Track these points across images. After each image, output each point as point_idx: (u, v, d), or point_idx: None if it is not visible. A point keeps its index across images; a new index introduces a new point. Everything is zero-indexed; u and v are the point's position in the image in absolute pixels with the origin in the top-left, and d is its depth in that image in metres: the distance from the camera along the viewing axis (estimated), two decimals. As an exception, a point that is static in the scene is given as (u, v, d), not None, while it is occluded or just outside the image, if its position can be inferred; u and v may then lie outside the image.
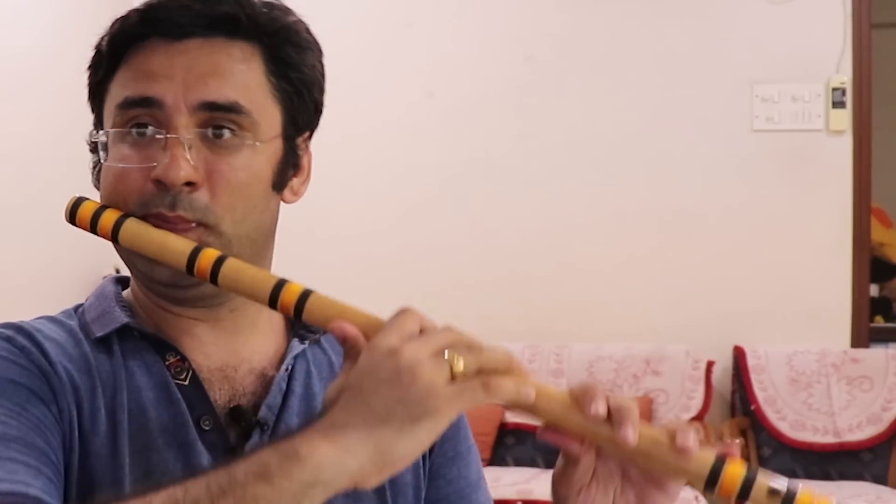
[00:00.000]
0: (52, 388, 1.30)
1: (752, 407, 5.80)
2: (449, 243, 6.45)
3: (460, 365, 1.14)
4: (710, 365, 5.92)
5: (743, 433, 5.74)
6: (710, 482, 1.19)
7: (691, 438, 1.20)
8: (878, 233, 7.65)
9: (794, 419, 5.75)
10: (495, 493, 5.10)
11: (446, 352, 1.15)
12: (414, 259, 6.45)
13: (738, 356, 5.95)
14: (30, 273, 5.55)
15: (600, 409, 1.19)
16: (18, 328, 1.35)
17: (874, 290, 7.56)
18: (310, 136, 1.49)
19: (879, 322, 7.70)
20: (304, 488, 1.08)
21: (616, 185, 6.33)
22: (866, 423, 5.69)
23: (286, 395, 1.44)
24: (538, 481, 5.35)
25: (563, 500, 1.31)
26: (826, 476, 5.68)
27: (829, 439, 5.68)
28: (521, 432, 5.83)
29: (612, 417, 1.20)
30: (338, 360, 1.51)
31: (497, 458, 5.85)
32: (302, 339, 1.49)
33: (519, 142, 6.43)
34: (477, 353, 1.16)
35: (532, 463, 5.77)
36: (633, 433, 1.19)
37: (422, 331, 1.17)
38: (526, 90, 6.42)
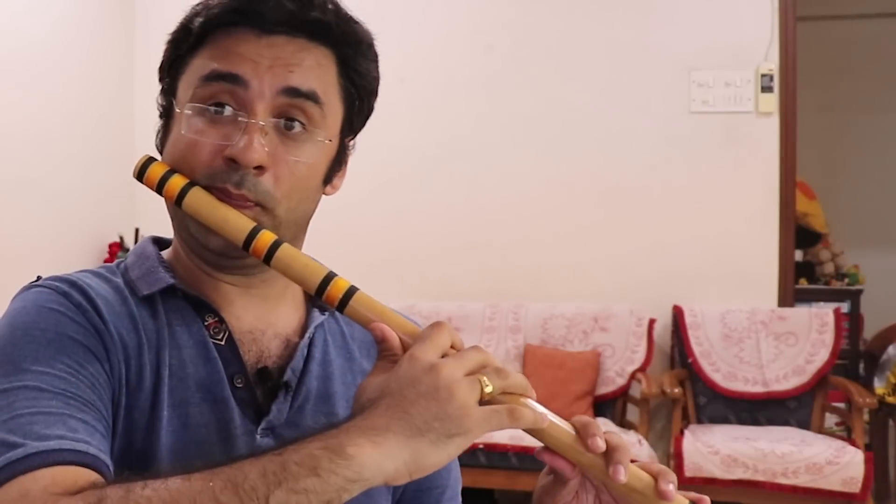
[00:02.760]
0: (105, 346, 1.29)
1: (690, 360, 5.84)
2: (418, 215, 6.48)
3: (489, 388, 1.16)
4: (651, 322, 5.97)
5: (681, 383, 5.73)
6: None
7: (671, 486, 1.25)
8: (802, 204, 7.70)
9: (727, 371, 5.80)
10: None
11: (478, 375, 1.17)
12: (388, 229, 6.48)
13: (677, 314, 5.98)
14: (44, 239, 5.59)
15: (600, 445, 1.23)
16: (72, 283, 1.34)
17: (799, 255, 7.61)
18: (354, 137, 1.50)
19: (804, 284, 7.77)
20: (347, 483, 1.08)
21: (567, 162, 6.34)
22: (791, 374, 5.73)
23: (307, 360, 1.45)
24: None
25: None
26: (756, 422, 5.73)
27: (758, 389, 5.74)
28: None
29: (608, 454, 1.24)
30: (348, 330, 1.55)
31: None
32: (322, 310, 1.51)
33: (480, 123, 6.44)
34: (504, 377, 1.19)
35: None
36: (624, 474, 1.23)
37: (453, 346, 1.21)
38: (487, 77, 6.43)
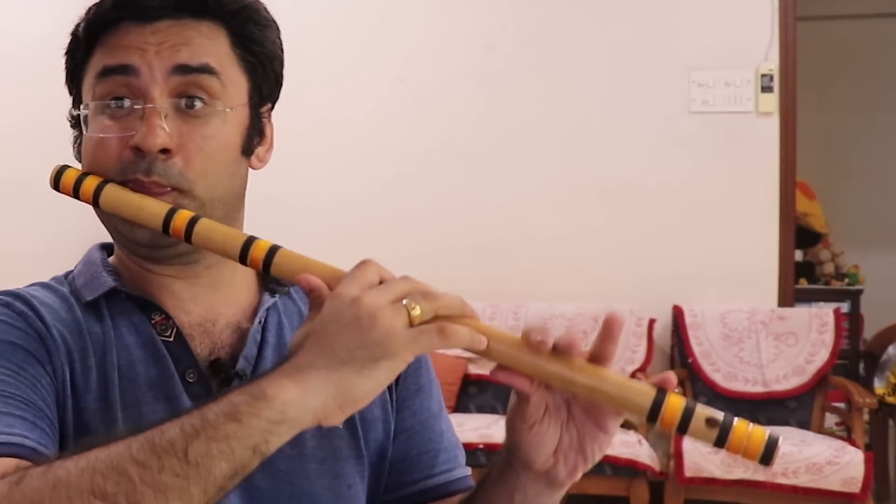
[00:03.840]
0: (47, 349, 1.30)
1: (690, 360, 5.82)
2: (418, 215, 6.47)
3: (417, 311, 1.12)
4: (651, 322, 5.95)
5: (681, 383, 5.70)
6: (653, 414, 1.16)
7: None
8: (802, 204, 7.70)
9: (727, 371, 5.78)
10: (460, 438, 5.22)
11: (405, 300, 1.13)
12: (388, 229, 6.45)
13: (677, 314, 5.95)
14: (44, 239, 5.60)
15: (547, 340, 1.17)
16: (16, 295, 1.36)
17: (799, 255, 7.61)
18: (271, 108, 1.48)
19: (804, 284, 7.79)
20: (271, 426, 1.07)
21: (568, 162, 6.33)
22: (791, 374, 5.72)
23: (261, 346, 1.43)
24: (498, 427, 5.30)
25: (517, 434, 1.28)
26: (756, 422, 5.49)
27: (758, 389, 5.73)
28: (482, 382, 5.84)
29: (559, 350, 1.18)
30: (307, 310, 1.36)
31: (461, 405, 5.85)
32: (273, 293, 1.49)
33: (481, 123, 6.44)
34: (432, 299, 1.15)
35: (492, 410, 5.79)
36: (580, 345, 1.18)
37: (381, 281, 1.16)
38: (487, 76, 6.43)
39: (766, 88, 6.06)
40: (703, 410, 1.16)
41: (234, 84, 1.39)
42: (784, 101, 6.10)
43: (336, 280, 1.19)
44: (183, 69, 1.34)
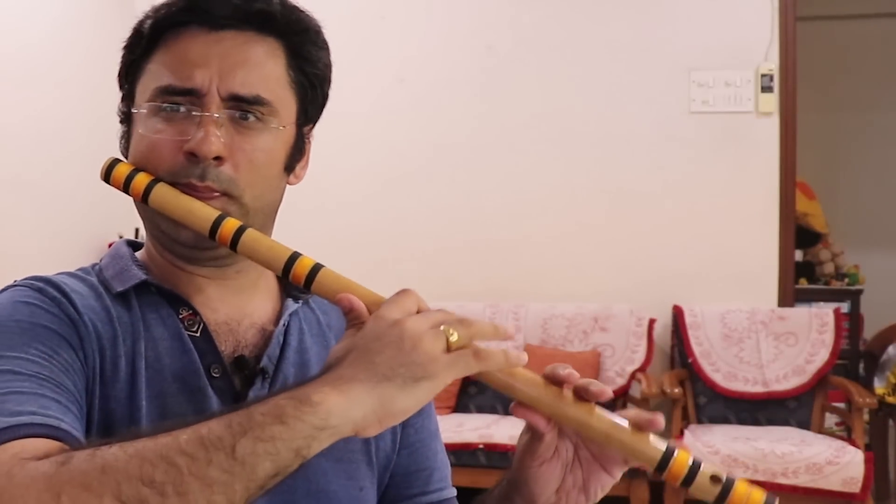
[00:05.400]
0: (79, 335, 1.32)
1: (690, 360, 5.83)
2: (418, 215, 6.48)
3: (454, 337, 1.18)
4: (651, 322, 5.96)
5: (681, 383, 5.70)
6: (661, 466, 1.24)
7: (656, 418, 1.26)
8: (802, 204, 7.69)
9: (727, 371, 5.79)
10: (460, 438, 5.17)
11: (442, 326, 1.18)
12: (388, 229, 6.48)
13: (677, 314, 5.96)
14: (44, 238, 5.62)
15: (571, 380, 1.25)
16: (48, 281, 1.38)
17: (799, 255, 7.61)
18: (313, 126, 1.55)
19: (804, 284, 7.78)
20: (314, 431, 1.09)
21: (568, 162, 6.34)
22: (791, 374, 5.73)
23: (283, 348, 1.48)
24: (497, 426, 5.36)
25: (525, 470, 1.36)
26: (756, 422, 5.72)
27: (758, 389, 5.73)
28: (482, 383, 5.78)
29: (580, 397, 1.26)
30: (324, 319, 1.58)
31: (461, 405, 5.86)
32: (295, 299, 1.54)
33: (481, 123, 6.44)
34: (468, 325, 1.20)
35: (492, 410, 5.80)
36: (608, 392, 1.26)
37: (419, 310, 1.21)
38: (487, 76, 6.44)
39: (766, 88, 6.08)
40: (708, 468, 1.24)
41: (284, 107, 1.43)
42: (784, 101, 6.11)
43: (373, 304, 1.24)
44: (237, 98, 1.38)
